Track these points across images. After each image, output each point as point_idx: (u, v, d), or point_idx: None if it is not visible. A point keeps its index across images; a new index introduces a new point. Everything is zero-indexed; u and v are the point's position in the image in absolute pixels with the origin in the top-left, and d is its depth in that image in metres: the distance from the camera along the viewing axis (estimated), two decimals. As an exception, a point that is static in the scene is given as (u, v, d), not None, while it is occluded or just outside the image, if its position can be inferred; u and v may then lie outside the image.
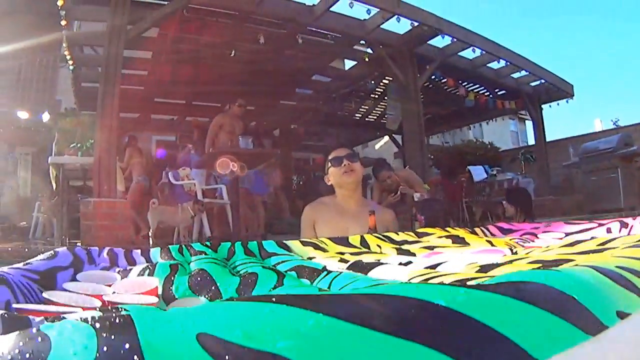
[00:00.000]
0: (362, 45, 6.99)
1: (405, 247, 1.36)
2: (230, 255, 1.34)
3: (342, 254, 1.36)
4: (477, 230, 1.71)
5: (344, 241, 1.48)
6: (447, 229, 1.64)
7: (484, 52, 7.13)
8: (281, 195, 8.90)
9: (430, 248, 1.28)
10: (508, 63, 7.73)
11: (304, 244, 1.43)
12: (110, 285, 0.97)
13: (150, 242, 4.58)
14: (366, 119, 11.45)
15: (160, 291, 0.99)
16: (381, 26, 6.16)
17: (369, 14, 5.86)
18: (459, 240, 1.39)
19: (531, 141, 12.69)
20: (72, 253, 1.15)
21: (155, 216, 4.75)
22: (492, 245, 1.25)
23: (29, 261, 1.00)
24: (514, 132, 22.63)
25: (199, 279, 1.03)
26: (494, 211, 7.35)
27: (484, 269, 0.79)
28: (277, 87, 8.41)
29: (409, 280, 0.80)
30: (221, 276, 1.03)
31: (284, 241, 1.44)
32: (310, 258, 1.32)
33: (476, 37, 6.93)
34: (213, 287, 0.99)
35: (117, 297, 0.86)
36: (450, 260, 0.94)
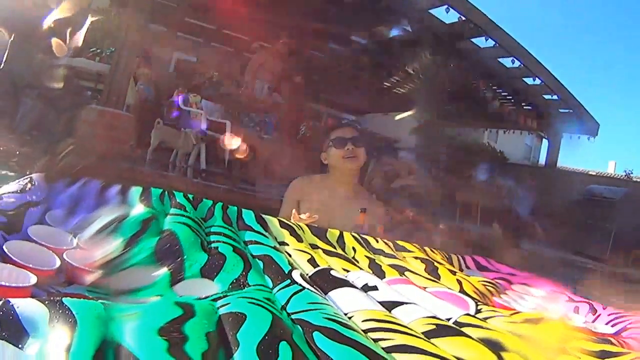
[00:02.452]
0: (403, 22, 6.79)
1: (378, 260, 1.36)
2: (208, 216, 1.34)
3: (315, 247, 1.36)
4: (453, 257, 1.71)
5: (321, 233, 1.47)
6: (426, 249, 1.63)
7: (522, 66, 6.94)
8: (284, 142, 8.90)
9: (401, 271, 1.28)
10: (543, 83, 7.54)
11: (282, 225, 1.41)
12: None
13: (147, 158, 4.64)
14: (393, 91, 11.28)
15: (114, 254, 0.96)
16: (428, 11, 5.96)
17: (420, -4, 5.67)
18: (431, 269, 1.39)
19: (542, 159, 12.54)
20: (47, 185, 1.14)
21: (158, 135, 4.83)
22: (461, 287, 1.25)
23: (2, 193, 1.01)
24: (528, 147, 22.39)
25: (167, 245, 1.02)
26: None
27: (435, 332, 0.79)
28: (311, 38, 8.21)
29: (362, 321, 0.81)
30: (190, 249, 1.03)
31: (263, 215, 1.42)
32: (282, 243, 1.32)
33: (520, 49, 6.68)
34: (178, 259, 0.99)
35: (78, 255, 0.90)
36: (410, 304, 0.94)
